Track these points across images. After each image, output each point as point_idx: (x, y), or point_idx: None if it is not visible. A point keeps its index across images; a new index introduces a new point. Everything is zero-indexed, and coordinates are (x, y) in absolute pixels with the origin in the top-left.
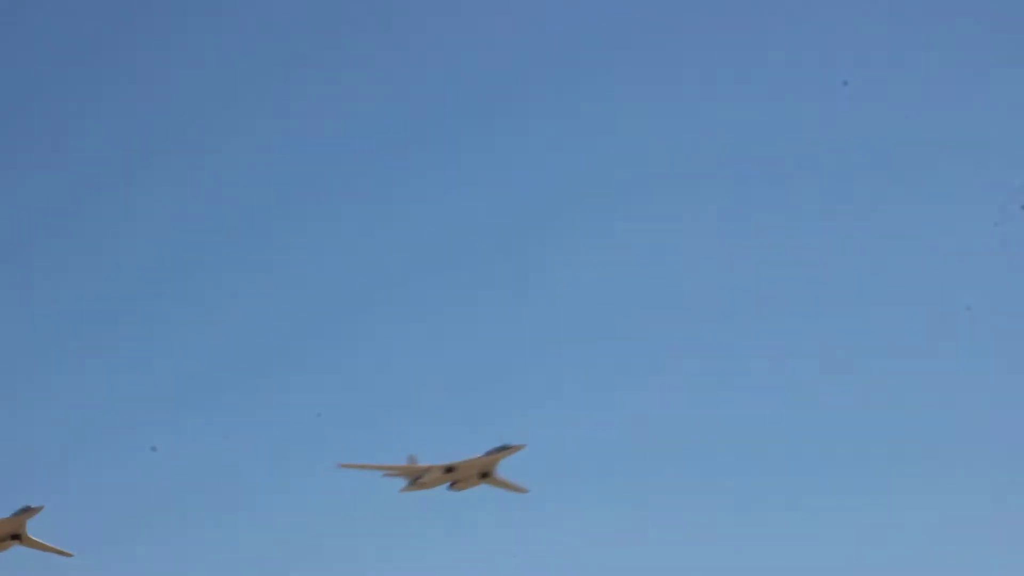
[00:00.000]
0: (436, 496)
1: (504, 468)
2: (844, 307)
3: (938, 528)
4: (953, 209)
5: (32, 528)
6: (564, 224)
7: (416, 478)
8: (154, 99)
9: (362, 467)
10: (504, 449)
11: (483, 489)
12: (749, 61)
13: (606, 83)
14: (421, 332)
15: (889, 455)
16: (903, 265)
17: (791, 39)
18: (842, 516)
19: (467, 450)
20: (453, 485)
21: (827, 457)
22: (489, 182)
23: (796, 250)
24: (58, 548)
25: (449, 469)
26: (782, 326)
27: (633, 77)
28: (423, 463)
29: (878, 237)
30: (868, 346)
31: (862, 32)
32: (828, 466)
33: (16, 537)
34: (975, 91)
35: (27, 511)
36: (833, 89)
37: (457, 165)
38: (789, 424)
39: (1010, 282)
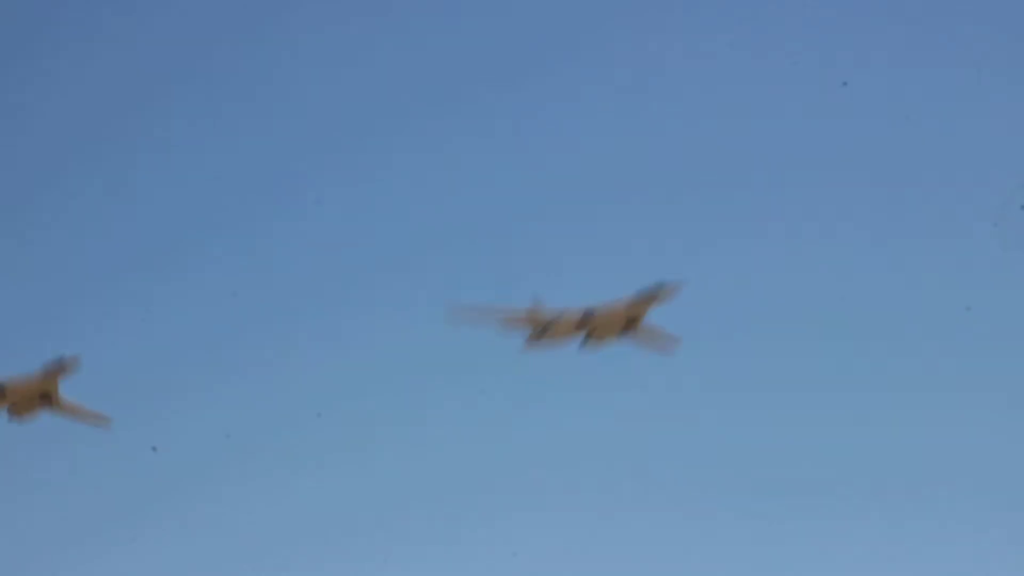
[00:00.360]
0: (566, 354)
1: (654, 317)
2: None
3: None
4: (953, 209)
5: (66, 389)
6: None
7: (542, 329)
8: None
9: (475, 314)
10: (657, 291)
11: (625, 344)
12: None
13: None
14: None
15: None
16: (903, 264)
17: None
18: None
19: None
20: (588, 339)
21: None
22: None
23: (799, 257)
24: (96, 413)
25: (585, 317)
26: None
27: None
28: (551, 309)
29: (876, 237)
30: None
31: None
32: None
33: (47, 400)
34: (974, 90)
35: (60, 366)
36: (833, 90)
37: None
38: None
39: (1010, 282)
